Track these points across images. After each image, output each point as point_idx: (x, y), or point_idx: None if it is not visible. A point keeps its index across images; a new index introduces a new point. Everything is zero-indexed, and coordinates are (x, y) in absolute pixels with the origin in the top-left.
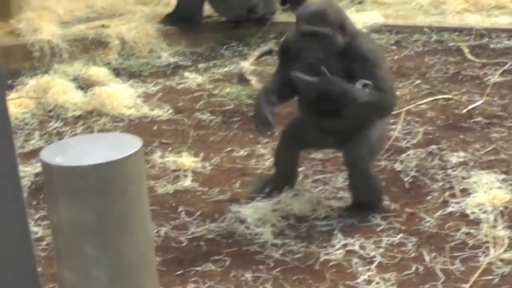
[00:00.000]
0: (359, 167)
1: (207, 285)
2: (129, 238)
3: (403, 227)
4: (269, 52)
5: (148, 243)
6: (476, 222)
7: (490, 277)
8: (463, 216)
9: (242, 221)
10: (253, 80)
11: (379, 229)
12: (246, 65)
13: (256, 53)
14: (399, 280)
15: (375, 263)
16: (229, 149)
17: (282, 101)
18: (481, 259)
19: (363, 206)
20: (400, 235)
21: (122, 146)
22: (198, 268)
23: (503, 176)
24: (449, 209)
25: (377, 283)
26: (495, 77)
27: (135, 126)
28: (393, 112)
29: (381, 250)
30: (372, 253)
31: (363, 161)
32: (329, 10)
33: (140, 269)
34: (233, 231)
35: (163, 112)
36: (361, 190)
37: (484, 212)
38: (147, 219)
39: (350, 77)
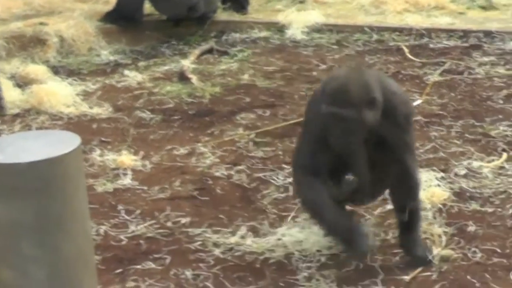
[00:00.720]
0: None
1: (147, 283)
2: (67, 236)
3: None
4: (209, 51)
5: (87, 242)
6: None
7: (428, 273)
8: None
9: (183, 220)
10: (194, 78)
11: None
12: (187, 63)
13: (197, 51)
14: (339, 276)
15: (315, 261)
16: (169, 147)
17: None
18: None
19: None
20: None
21: (60, 143)
22: (138, 267)
23: (442, 174)
24: (389, 206)
25: (317, 280)
26: (434, 77)
27: (74, 124)
28: None
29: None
30: (313, 250)
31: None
32: (353, 86)
33: (78, 267)
34: (173, 229)
35: (103, 111)
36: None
37: (423, 209)
38: (86, 217)
39: (381, 140)
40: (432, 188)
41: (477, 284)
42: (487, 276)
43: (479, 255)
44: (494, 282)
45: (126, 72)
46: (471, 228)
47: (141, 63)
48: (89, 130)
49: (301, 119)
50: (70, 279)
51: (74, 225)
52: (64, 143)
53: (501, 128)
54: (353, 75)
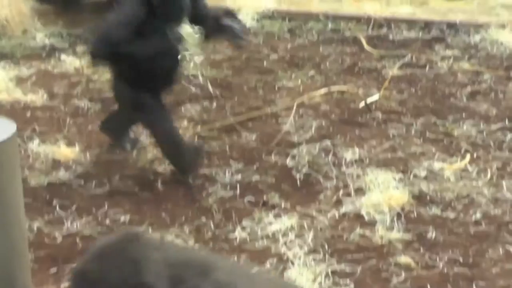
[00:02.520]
0: None
1: None
2: (0, 229)
3: (297, 224)
4: None
5: (21, 236)
6: (371, 224)
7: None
8: (358, 217)
9: (122, 218)
10: None
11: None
12: None
13: None
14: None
15: (266, 264)
16: (108, 139)
17: None
18: (374, 262)
19: None
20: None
21: None
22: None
23: (400, 175)
24: (343, 209)
25: None
26: (393, 70)
27: (7, 112)
28: (288, 106)
29: None
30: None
31: None
32: None
33: (12, 263)
34: (111, 227)
35: (38, 98)
36: None
37: (380, 213)
38: (21, 210)
39: None
40: (390, 191)
41: None
42: (449, 286)
43: (440, 264)
44: None
45: (63, 57)
46: (432, 234)
47: (80, 48)
48: (23, 118)
49: (250, 112)
50: (2, 273)
51: (8, 218)
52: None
53: (465, 127)
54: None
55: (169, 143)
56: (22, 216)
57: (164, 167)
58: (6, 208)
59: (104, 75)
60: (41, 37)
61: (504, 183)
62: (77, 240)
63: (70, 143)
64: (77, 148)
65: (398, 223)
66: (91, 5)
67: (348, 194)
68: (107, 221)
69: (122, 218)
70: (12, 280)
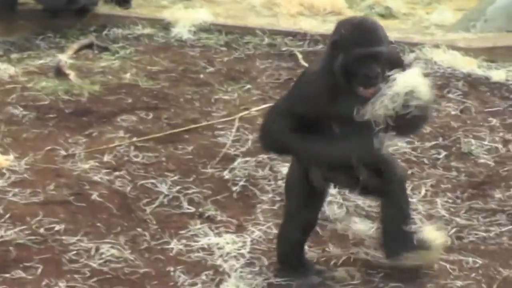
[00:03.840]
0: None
1: None
2: None
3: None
4: (89, 46)
5: None
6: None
7: None
8: None
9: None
10: (72, 74)
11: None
12: (64, 58)
13: (75, 46)
14: None
15: (201, 276)
16: (43, 148)
17: None
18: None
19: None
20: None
21: None
22: (7, 275)
23: (336, 190)
24: (278, 221)
25: None
26: None
27: None
28: (224, 119)
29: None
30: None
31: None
32: (378, 25)
33: None
34: (46, 236)
35: None
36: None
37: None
38: None
39: None
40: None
41: None
42: None
43: (376, 279)
44: None
45: None
46: (368, 250)
47: (14, 55)
48: None
49: (187, 124)
50: None
51: None
52: None
53: (399, 144)
54: (366, 21)
55: None
56: None
57: (100, 176)
58: None
59: (39, 83)
60: None
61: (438, 200)
62: (11, 248)
63: (4, 151)
64: (11, 156)
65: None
66: (26, 12)
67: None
68: (42, 230)
69: (57, 227)
70: None
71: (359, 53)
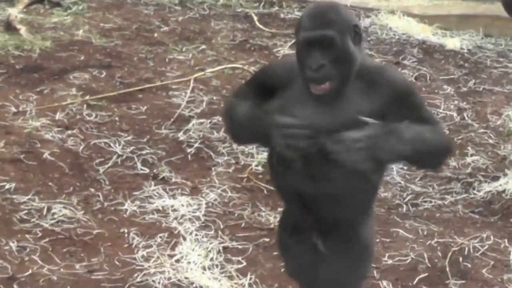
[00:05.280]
0: None
1: None
2: None
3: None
4: (40, 1)
5: None
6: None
7: None
8: (250, 189)
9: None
10: (22, 29)
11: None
12: (14, 12)
13: (26, 0)
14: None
15: (156, 238)
16: None
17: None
18: (266, 240)
19: None
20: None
21: None
22: None
23: None
24: (234, 184)
25: (156, 259)
26: (285, 49)
27: None
28: (179, 80)
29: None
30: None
31: None
32: (333, 8)
33: None
34: None
35: None
36: None
37: None
38: None
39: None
40: None
41: None
42: None
43: None
44: None
45: None
46: None
47: None
48: None
49: (141, 84)
50: None
51: None
52: None
53: None
54: (323, 3)
55: None
56: None
57: (52, 134)
58: None
59: None
60: None
61: (393, 167)
62: None
63: None
64: None
65: None
66: None
67: (239, 171)
68: None
69: (7, 186)
70: None
71: (301, 37)
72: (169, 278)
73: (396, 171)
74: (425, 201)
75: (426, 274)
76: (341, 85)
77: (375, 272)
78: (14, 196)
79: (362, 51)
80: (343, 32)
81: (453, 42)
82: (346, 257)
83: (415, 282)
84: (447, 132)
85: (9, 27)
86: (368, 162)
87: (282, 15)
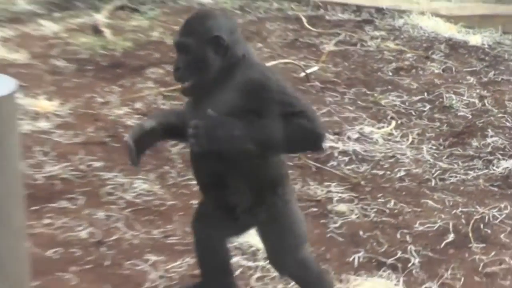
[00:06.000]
0: (295, 274)
1: (61, 221)
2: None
3: None
4: (121, 7)
5: (18, 180)
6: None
7: (325, 228)
8: (300, 167)
9: (95, 164)
10: (107, 32)
11: None
12: (100, 17)
13: (110, 7)
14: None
15: None
16: (83, 95)
17: (168, 138)
18: (315, 210)
19: None
20: None
21: None
22: (53, 205)
23: (336, 136)
24: (287, 163)
25: None
26: (330, 46)
27: None
28: None
29: None
30: None
31: (296, 267)
32: (200, 19)
33: (9, 203)
34: (86, 172)
35: (20, 56)
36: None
37: None
38: (18, 157)
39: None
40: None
41: (366, 236)
42: (378, 233)
43: (371, 213)
44: (383, 238)
45: (42, 22)
46: (364, 188)
47: (56, 14)
48: (7, 74)
49: None
50: (1, 214)
51: (6, 164)
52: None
53: (390, 98)
54: (195, 12)
55: None
56: (19, 162)
57: (132, 121)
58: (5, 156)
59: (78, 39)
60: (22, 3)
61: (423, 147)
62: (56, 182)
63: (49, 98)
64: (55, 102)
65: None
66: None
67: None
68: (82, 166)
69: (95, 164)
70: (9, 217)
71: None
72: (232, 242)
73: (426, 151)
74: (451, 176)
75: (452, 239)
76: (197, 85)
77: (407, 237)
78: (101, 173)
79: (232, 57)
80: (201, 41)
81: (475, 39)
82: (267, 231)
83: (442, 245)
84: (470, 117)
85: (96, 30)
86: (200, 146)
87: (327, 17)
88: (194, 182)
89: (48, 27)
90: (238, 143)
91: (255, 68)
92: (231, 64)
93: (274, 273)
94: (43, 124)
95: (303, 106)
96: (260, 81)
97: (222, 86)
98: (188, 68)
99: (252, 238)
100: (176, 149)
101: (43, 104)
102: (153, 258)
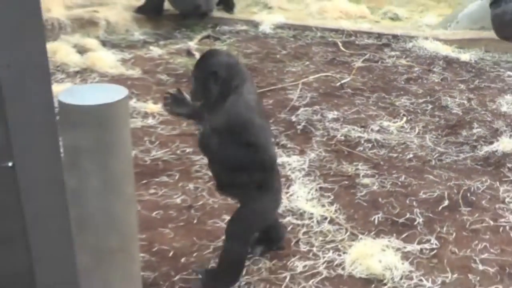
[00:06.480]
0: (225, 243)
1: (162, 191)
2: (115, 157)
3: (298, 157)
4: (207, 37)
5: (129, 162)
6: (346, 153)
7: (352, 192)
8: (336, 151)
9: (188, 150)
10: (197, 54)
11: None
12: (192, 44)
13: (199, 36)
14: (288, 192)
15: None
16: None
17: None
18: (346, 182)
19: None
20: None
21: (114, 93)
22: (157, 179)
23: (362, 128)
24: (327, 148)
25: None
26: (358, 63)
27: (115, 81)
28: (292, 83)
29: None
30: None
31: (229, 238)
32: (206, 58)
33: (123, 179)
34: (181, 155)
35: (135, 72)
36: (219, 262)
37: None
38: (129, 145)
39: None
40: (352, 133)
41: (383, 202)
42: (392, 199)
43: (388, 185)
44: (396, 204)
45: (151, 47)
46: (383, 166)
47: (161, 42)
48: (125, 85)
49: (269, 86)
50: (116, 188)
51: (121, 150)
52: (116, 93)
53: (402, 100)
54: (213, 53)
55: None
56: (129, 149)
57: None
58: (120, 144)
59: (176, 60)
60: (137, 34)
61: (427, 136)
62: (159, 163)
63: (155, 102)
64: (159, 105)
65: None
66: (169, 15)
67: (329, 139)
68: (178, 152)
69: (187, 150)
70: (122, 191)
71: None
72: (285, 206)
73: (428, 139)
74: (447, 158)
75: (446, 204)
76: (205, 103)
77: (414, 202)
78: (192, 156)
79: (228, 87)
80: (204, 74)
81: (465, 56)
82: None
83: (439, 209)
84: (461, 113)
85: (189, 53)
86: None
87: (356, 42)
88: None
89: (155, 51)
90: (211, 153)
91: (239, 101)
92: (227, 91)
93: (317, 228)
94: (150, 121)
95: (260, 139)
96: (233, 114)
97: (219, 107)
98: (198, 92)
99: (299, 202)
100: None
101: (151, 106)
102: (227, 217)
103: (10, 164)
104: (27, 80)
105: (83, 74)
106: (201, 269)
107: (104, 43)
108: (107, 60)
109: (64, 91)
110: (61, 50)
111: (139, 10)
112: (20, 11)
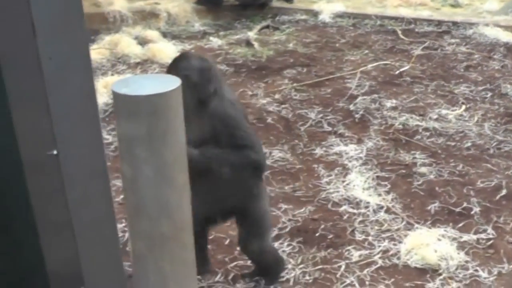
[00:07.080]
0: (257, 258)
1: None
2: (168, 146)
3: (355, 146)
4: (267, 27)
5: (182, 150)
6: (404, 141)
7: (408, 180)
8: (394, 140)
9: None
10: (256, 44)
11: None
12: (251, 34)
13: (258, 26)
14: (345, 181)
15: (335, 170)
16: (238, 90)
17: None
18: (403, 171)
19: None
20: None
21: (167, 83)
22: None
23: (421, 117)
24: (385, 137)
25: (335, 183)
26: (418, 51)
27: None
28: (351, 72)
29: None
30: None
31: (258, 252)
32: (177, 61)
33: (175, 168)
34: None
35: None
36: (261, 266)
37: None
38: (182, 134)
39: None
40: (410, 121)
41: (440, 191)
42: (449, 188)
43: (445, 174)
44: (453, 193)
45: (211, 38)
46: (440, 155)
47: (221, 33)
48: None
49: (327, 75)
50: (168, 176)
51: (173, 138)
52: (170, 83)
53: (462, 88)
54: (184, 56)
55: None
56: (182, 137)
57: (273, 107)
58: (172, 132)
59: (236, 50)
60: (197, 26)
61: (485, 124)
62: None
63: None
64: None
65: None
66: (229, 6)
67: (387, 128)
68: None
69: None
70: (175, 179)
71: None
72: (342, 195)
73: (487, 127)
74: (506, 146)
75: (504, 193)
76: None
77: (471, 191)
78: None
79: (202, 92)
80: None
81: None
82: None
83: (497, 198)
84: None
85: (248, 43)
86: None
87: (416, 29)
88: (316, 151)
89: (215, 42)
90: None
91: (222, 103)
92: (204, 97)
93: (373, 217)
94: None
95: (251, 140)
96: (220, 116)
97: (199, 115)
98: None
99: (356, 191)
100: (303, 127)
101: None
102: (284, 206)
103: (55, 152)
104: (69, 72)
105: (144, 65)
106: (248, 273)
107: (164, 35)
108: (168, 51)
109: (118, 82)
110: (122, 42)
111: (200, 1)
112: (61, 5)
